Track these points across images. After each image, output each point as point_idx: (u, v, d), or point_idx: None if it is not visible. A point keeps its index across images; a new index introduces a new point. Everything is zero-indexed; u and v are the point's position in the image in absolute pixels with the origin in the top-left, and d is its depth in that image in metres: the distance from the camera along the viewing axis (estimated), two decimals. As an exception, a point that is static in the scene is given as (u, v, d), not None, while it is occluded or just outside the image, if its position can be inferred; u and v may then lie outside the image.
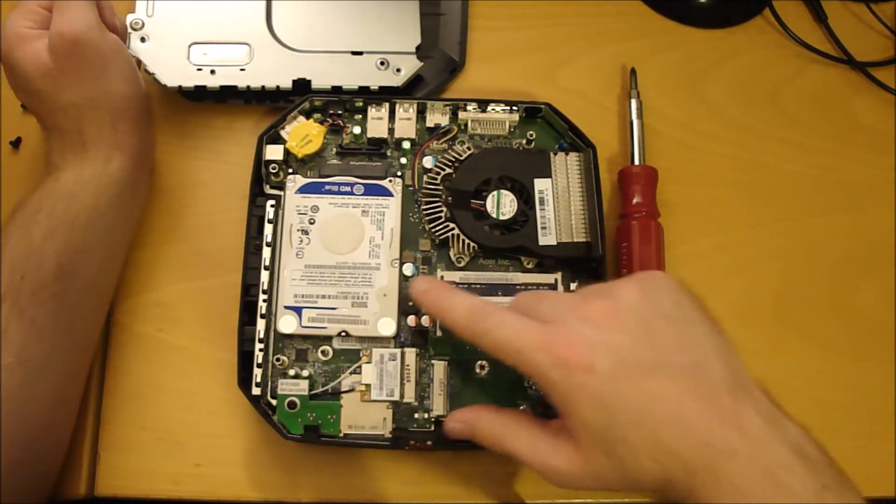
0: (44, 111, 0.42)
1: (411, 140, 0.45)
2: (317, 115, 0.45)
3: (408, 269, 0.44)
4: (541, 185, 0.44)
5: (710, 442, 0.31)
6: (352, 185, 0.44)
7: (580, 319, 0.33)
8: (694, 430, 0.31)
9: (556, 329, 0.33)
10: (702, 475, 0.30)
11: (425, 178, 0.45)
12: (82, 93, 0.41)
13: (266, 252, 0.43)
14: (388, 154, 0.46)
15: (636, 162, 0.48)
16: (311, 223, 0.43)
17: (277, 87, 0.47)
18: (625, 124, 0.50)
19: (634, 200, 0.46)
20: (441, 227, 0.44)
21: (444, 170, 0.45)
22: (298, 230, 0.43)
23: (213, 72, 0.46)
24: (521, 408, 0.42)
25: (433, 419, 0.42)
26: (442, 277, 0.43)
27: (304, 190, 0.44)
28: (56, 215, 0.40)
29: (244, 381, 0.41)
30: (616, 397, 0.32)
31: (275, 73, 0.47)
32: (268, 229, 0.43)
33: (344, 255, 0.43)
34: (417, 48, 0.48)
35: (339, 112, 0.45)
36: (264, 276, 0.42)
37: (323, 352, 0.43)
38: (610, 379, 0.32)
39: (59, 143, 0.42)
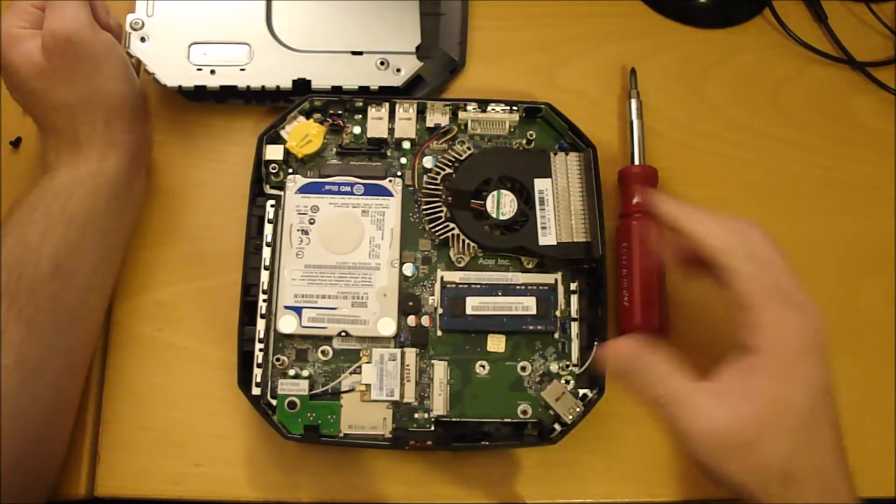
0: (38, 111, 0.42)
1: (411, 140, 0.45)
2: (317, 115, 0.45)
3: (408, 268, 0.44)
4: (541, 185, 0.44)
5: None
6: (352, 185, 0.44)
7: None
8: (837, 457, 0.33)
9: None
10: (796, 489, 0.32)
11: (425, 178, 0.45)
12: (76, 91, 0.41)
13: (266, 252, 0.43)
14: (388, 154, 0.46)
15: (636, 162, 0.48)
16: (311, 223, 0.43)
17: (277, 87, 0.47)
18: (625, 124, 0.50)
19: (634, 200, 0.46)
20: (441, 227, 0.44)
21: (444, 170, 0.45)
22: (298, 230, 0.43)
23: (213, 72, 0.46)
24: (521, 409, 0.42)
25: (433, 419, 0.42)
26: (442, 278, 0.43)
27: (304, 190, 0.44)
28: (52, 214, 0.40)
29: (244, 381, 0.41)
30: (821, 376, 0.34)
31: (275, 73, 0.47)
32: (268, 229, 0.43)
33: (344, 255, 0.43)
34: (417, 48, 0.48)
35: (339, 112, 0.45)
36: (264, 276, 0.42)
37: (323, 352, 0.43)
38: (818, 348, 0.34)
39: (55, 142, 0.42)
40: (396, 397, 0.41)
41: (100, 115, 0.42)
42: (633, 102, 0.49)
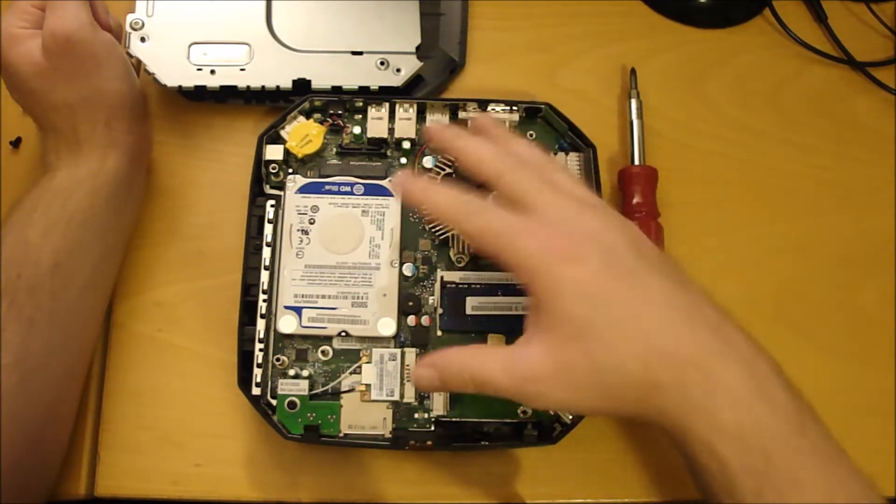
0: (38, 111, 0.42)
1: (411, 140, 0.45)
2: (317, 115, 0.45)
3: (408, 268, 0.44)
4: (541, 185, 0.44)
5: (703, 344, 0.31)
6: (352, 185, 0.44)
7: (564, 212, 0.33)
8: (686, 332, 0.31)
9: (541, 218, 0.33)
10: (692, 373, 0.31)
11: (425, 178, 0.45)
12: (76, 92, 0.41)
13: (266, 252, 0.43)
14: (388, 154, 0.46)
15: (636, 162, 0.48)
16: (311, 223, 0.43)
17: (277, 87, 0.47)
18: (625, 124, 0.50)
19: (634, 200, 0.46)
20: (441, 227, 0.44)
21: (444, 170, 0.45)
22: (298, 230, 0.43)
23: (213, 72, 0.46)
24: (521, 408, 0.42)
25: (433, 419, 0.42)
26: (442, 278, 0.43)
27: (304, 190, 0.44)
28: (52, 214, 0.40)
29: (244, 381, 0.41)
30: (605, 292, 0.31)
31: (275, 73, 0.47)
32: (268, 229, 0.43)
33: (344, 255, 0.43)
34: (417, 48, 0.48)
35: (339, 112, 0.45)
36: (264, 276, 0.42)
37: (323, 352, 0.43)
38: (600, 273, 0.31)
39: (55, 142, 0.42)
40: (396, 397, 0.41)
41: (100, 115, 0.42)
42: (633, 102, 0.49)
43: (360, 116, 0.46)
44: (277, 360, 0.42)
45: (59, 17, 0.39)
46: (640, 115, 0.48)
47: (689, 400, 0.31)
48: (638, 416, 0.33)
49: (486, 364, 0.33)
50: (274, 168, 0.44)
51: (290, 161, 0.45)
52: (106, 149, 0.42)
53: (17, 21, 0.41)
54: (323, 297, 0.42)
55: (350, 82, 0.47)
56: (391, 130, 0.45)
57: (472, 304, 0.43)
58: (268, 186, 0.45)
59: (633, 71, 0.50)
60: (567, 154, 0.45)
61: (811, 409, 0.32)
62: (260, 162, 0.44)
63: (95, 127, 0.41)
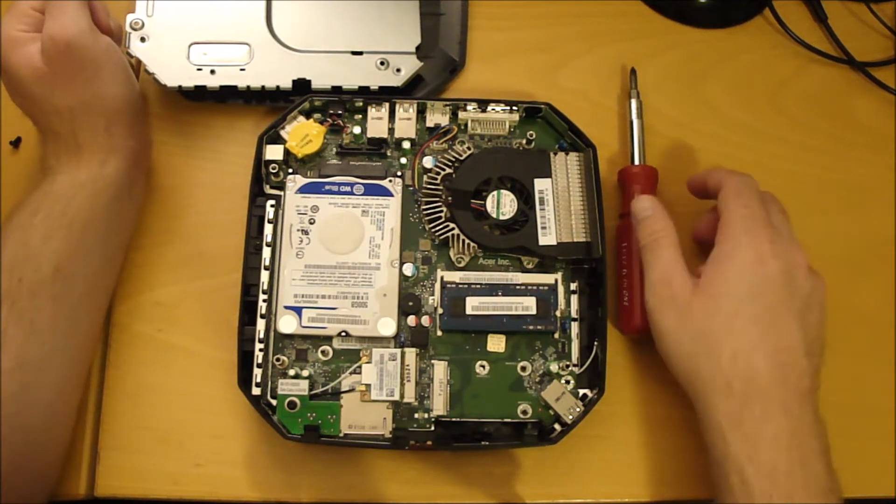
0: (38, 115, 0.42)
1: (411, 140, 0.45)
2: (317, 115, 0.45)
3: (408, 268, 0.44)
4: (541, 185, 0.44)
5: (783, 392, 0.37)
6: (352, 185, 0.44)
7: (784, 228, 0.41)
8: (778, 374, 0.37)
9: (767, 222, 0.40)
10: (757, 401, 0.37)
11: (425, 178, 0.45)
12: (76, 97, 0.41)
13: (266, 252, 0.43)
14: (388, 154, 0.46)
15: (636, 162, 0.48)
16: (311, 223, 0.43)
17: (277, 87, 0.47)
18: (625, 124, 0.50)
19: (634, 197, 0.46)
20: (441, 227, 0.44)
21: (444, 170, 0.45)
22: (298, 230, 0.43)
23: (213, 72, 0.46)
24: (521, 409, 0.42)
25: (433, 419, 0.42)
26: (442, 278, 0.43)
27: (304, 190, 0.44)
28: (53, 218, 0.40)
29: (244, 381, 0.41)
30: (760, 295, 0.38)
31: (275, 73, 0.47)
32: (268, 229, 0.43)
33: (344, 255, 0.43)
34: (417, 48, 0.48)
35: (339, 112, 0.45)
36: (264, 276, 0.43)
37: (323, 352, 0.43)
38: (770, 281, 0.38)
39: (55, 146, 0.42)
40: (396, 397, 0.41)
41: (100, 119, 0.42)
42: (633, 102, 0.49)
43: (360, 116, 0.46)
44: (277, 360, 0.42)
45: (59, 21, 0.39)
46: (640, 115, 0.48)
47: (741, 418, 0.37)
48: (686, 381, 0.40)
49: (665, 250, 0.41)
50: (274, 168, 0.44)
51: (290, 161, 0.45)
52: (106, 153, 0.42)
53: (18, 24, 0.40)
54: (323, 297, 0.42)
55: (350, 82, 0.47)
56: (391, 130, 0.45)
57: (472, 304, 0.43)
58: (268, 186, 0.45)
59: (633, 71, 0.50)
60: (567, 154, 0.45)
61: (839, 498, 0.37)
62: (260, 162, 0.44)
63: (95, 132, 0.41)
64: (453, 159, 0.45)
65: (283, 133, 0.44)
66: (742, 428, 0.36)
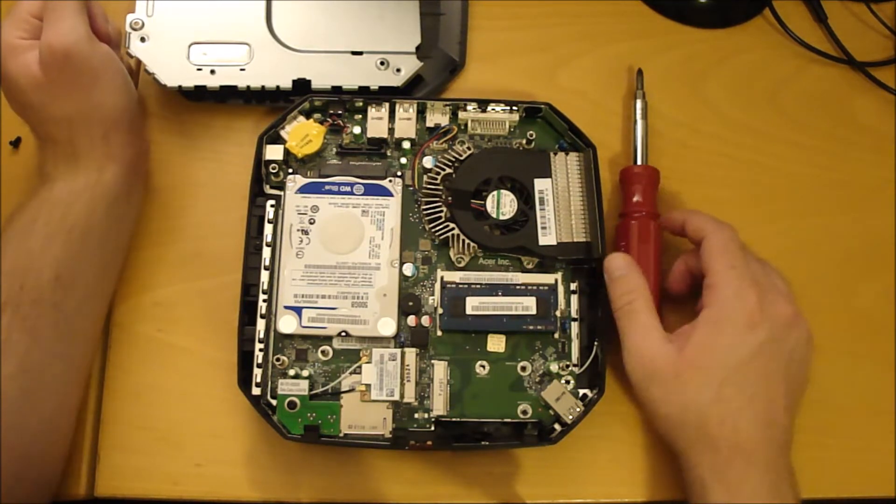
0: (36, 122, 0.42)
1: (411, 140, 0.45)
2: (317, 115, 0.45)
3: (408, 268, 0.44)
4: (541, 185, 0.44)
5: (768, 451, 0.38)
6: (352, 185, 0.44)
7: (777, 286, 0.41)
8: (764, 435, 0.38)
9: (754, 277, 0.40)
10: (740, 459, 0.37)
11: (425, 178, 0.45)
12: (74, 105, 0.40)
13: (266, 252, 0.43)
14: (388, 154, 0.46)
15: (639, 162, 0.47)
16: (311, 223, 0.43)
17: (277, 87, 0.47)
18: (625, 124, 0.50)
19: (634, 199, 0.46)
20: (441, 227, 0.44)
21: (444, 170, 0.45)
22: (298, 230, 0.43)
23: (213, 72, 0.46)
24: (521, 409, 0.42)
25: (433, 419, 0.42)
26: (442, 278, 0.43)
27: (304, 190, 0.44)
28: (52, 225, 0.40)
29: (244, 381, 0.41)
30: (747, 348, 0.38)
31: (275, 73, 0.47)
32: (268, 229, 0.43)
33: (344, 255, 0.43)
34: (417, 48, 0.48)
35: (339, 112, 0.45)
36: (264, 276, 0.43)
37: (323, 352, 0.43)
38: (756, 336, 0.39)
39: (52, 154, 0.41)
40: (396, 397, 0.41)
41: (98, 128, 0.41)
42: (639, 103, 0.48)
43: (360, 116, 0.46)
44: (277, 360, 0.42)
45: (56, 30, 0.39)
46: (644, 116, 0.48)
47: (724, 473, 0.38)
48: (671, 440, 0.40)
49: (643, 313, 0.41)
50: (274, 168, 0.44)
51: (290, 161, 0.45)
52: (104, 161, 0.42)
53: (16, 31, 0.40)
54: (323, 297, 0.42)
55: (350, 82, 0.47)
56: (391, 130, 0.45)
57: (472, 304, 0.43)
58: (268, 186, 0.45)
59: (639, 72, 0.50)
60: (567, 154, 0.45)
61: None
62: (260, 162, 0.44)
63: (93, 140, 0.41)
64: (453, 159, 0.45)
65: (283, 133, 0.44)
66: (724, 481, 0.37)
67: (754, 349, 0.39)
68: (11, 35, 0.40)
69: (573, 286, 0.44)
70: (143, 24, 0.46)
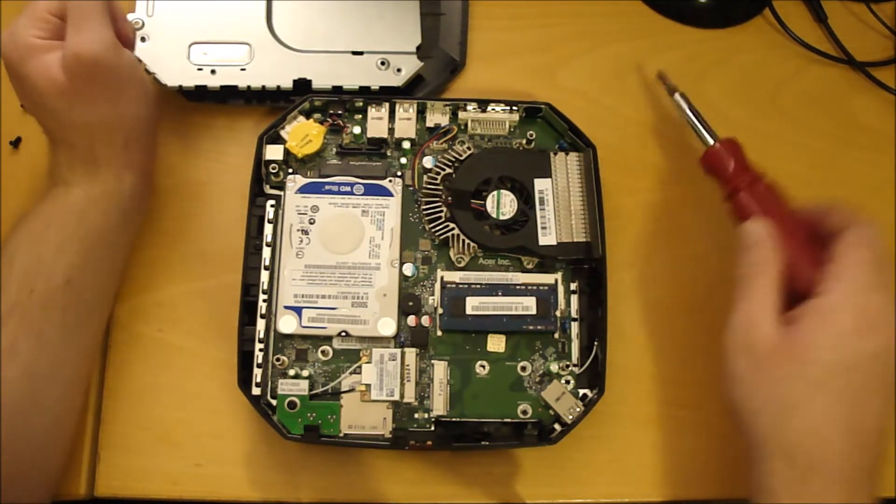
0: (53, 126, 0.40)
1: (411, 140, 0.45)
2: (317, 115, 0.45)
3: (408, 268, 0.44)
4: (541, 185, 0.44)
5: (844, 468, 0.34)
6: (352, 185, 0.44)
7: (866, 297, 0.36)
8: (846, 450, 0.34)
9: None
10: (817, 478, 0.34)
11: (425, 178, 0.45)
12: (97, 115, 0.39)
13: (266, 252, 0.43)
14: (388, 154, 0.46)
15: (710, 142, 0.44)
16: (311, 223, 0.44)
17: (278, 87, 0.47)
18: (625, 124, 0.50)
19: (739, 171, 0.42)
20: (441, 227, 0.44)
21: (444, 170, 0.45)
22: (298, 230, 0.43)
23: (213, 72, 0.46)
24: (521, 408, 0.42)
25: (433, 419, 0.42)
26: (442, 278, 0.43)
27: (304, 190, 0.44)
28: (66, 231, 0.39)
29: (244, 381, 0.41)
30: (846, 362, 0.34)
31: (275, 73, 0.47)
32: (268, 229, 0.43)
33: (344, 255, 0.43)
34: (418, 48, 0.48)
35: (339, 112, 0.45)
36: (264, 276, 0.43)
37: (323, 352, 0.43)
38: (859, 354, 0.34)
39: (68, 157, 0.40)
40: (396, 397, 0.41)
41: (119, 137, 0.41)
42: (679, 97, 0.46)
43: (360, 116, 0.46)
44: (277, 360, 0.42)
45: (84, 38, 0.37)
46: (691, 105, 0.45)
47: (801, 491, 0.34)
48: (740, 421, 0.36)
49: (761, 290, 0.37)
50: (274, 168, 0.44)
51: (290, 161, 0.45)
52: (122, 169, 0.41)
53: (34, 29, 0.38)
54: (323, 297, 0.42)
55: (350, 82, 0.47)
56: (391, 130, 0.45)
57: (472, 304, 0.43)
58: (268, 186, 0.45)
59: (660, 74, 0.48)
60: (567, 154, 0.45)
61: None
62: (260, 162, 0.44)
63: (114, 149, 0.41)
64: (453, 159, 0.45)
65: (283, 133, 0.44)
66: (800, 500, 0.34)
67: (861, 357, 0.34)
68: (29, 34, 0.38)
69: (573, 286, 0.44)
70: (143, 24, 0.46)
